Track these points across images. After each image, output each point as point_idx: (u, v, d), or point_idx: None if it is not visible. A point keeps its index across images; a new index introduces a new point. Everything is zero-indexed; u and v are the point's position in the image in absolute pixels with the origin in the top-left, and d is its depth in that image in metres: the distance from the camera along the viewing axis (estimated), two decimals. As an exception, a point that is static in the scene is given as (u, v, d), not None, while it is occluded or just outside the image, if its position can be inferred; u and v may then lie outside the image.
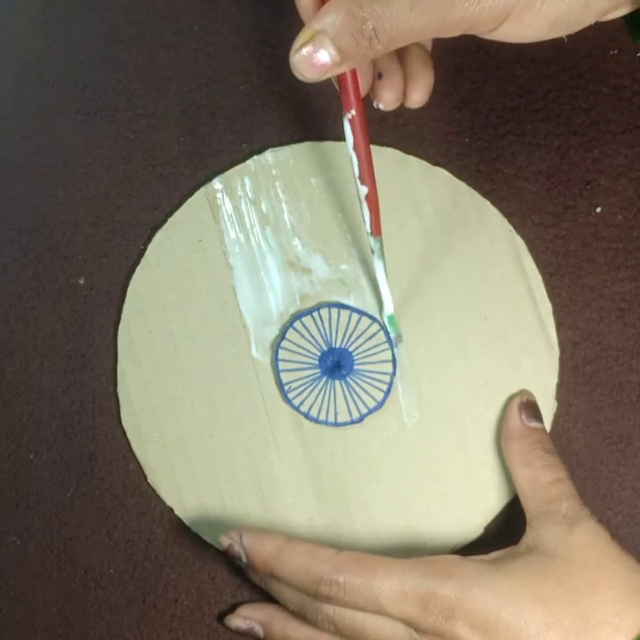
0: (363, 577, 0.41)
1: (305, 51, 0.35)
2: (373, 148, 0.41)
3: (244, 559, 0.43)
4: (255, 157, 0.48)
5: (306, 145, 0.48)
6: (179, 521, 0.47)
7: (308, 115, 0.49)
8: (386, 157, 0.48)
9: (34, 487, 0.48)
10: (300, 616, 0.43)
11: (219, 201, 0.48)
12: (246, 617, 0.46)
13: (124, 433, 0.47)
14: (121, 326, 0.48)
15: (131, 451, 0.47)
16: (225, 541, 0.44)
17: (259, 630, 0.45)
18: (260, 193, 0.48)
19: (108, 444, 0.48)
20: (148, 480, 0.47)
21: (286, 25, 0.49)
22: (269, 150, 0.48)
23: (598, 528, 0.42)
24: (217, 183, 0.48)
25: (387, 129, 0.48)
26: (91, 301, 0.49)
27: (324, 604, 0.42)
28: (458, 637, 0.39)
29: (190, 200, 0.48)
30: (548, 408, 0.47)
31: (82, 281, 0.49)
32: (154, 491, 0.47)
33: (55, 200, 0.49)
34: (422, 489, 0.46)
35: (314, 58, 0.35)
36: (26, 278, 0.49)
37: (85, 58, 0.50)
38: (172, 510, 0.47)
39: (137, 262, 0.48)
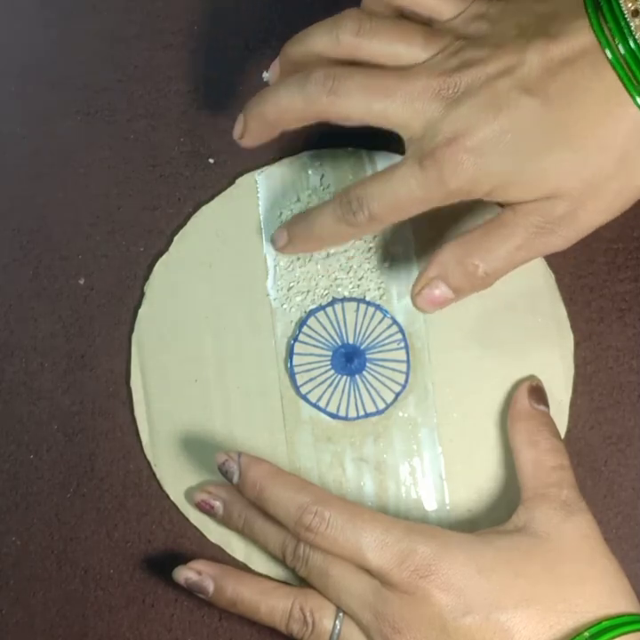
0: (348, 517, 0.41)
1: (425, 292, 0.41)
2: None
3: (236, 478, 0.42)
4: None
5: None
6: (179, 521, 0.47)
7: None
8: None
9: (34, 487, 0.48)
10: (279, 556, 0.43)
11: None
12: (199, 570, 0.44)
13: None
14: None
15: (132, 451, 0.48)
16: (221, 457, 0.43)
17: (209, 584, 0.44)
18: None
19: (108, 444, 0.48)
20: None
21: (286, 25, 0.49)
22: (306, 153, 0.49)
23: (594, 523, 0.42)
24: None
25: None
26: (91, 301, 0.49)
27: (302, 543, 0.42)
28: (429, 596, 0.39)
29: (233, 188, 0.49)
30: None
31: (82, 281, 0.49)
32: (153, 491, 0.47)
33: (55, 200, 0.49)
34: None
35: (432, 297, 0.41)
36: (26, 278, 0.49)
37: (85, 58, 0.50)
38: (171, 511, 0.47)
39: (137, 262, 0.49)
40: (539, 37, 0.38)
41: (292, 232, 0.45)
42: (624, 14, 0.37)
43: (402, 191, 0.40)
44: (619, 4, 0.37)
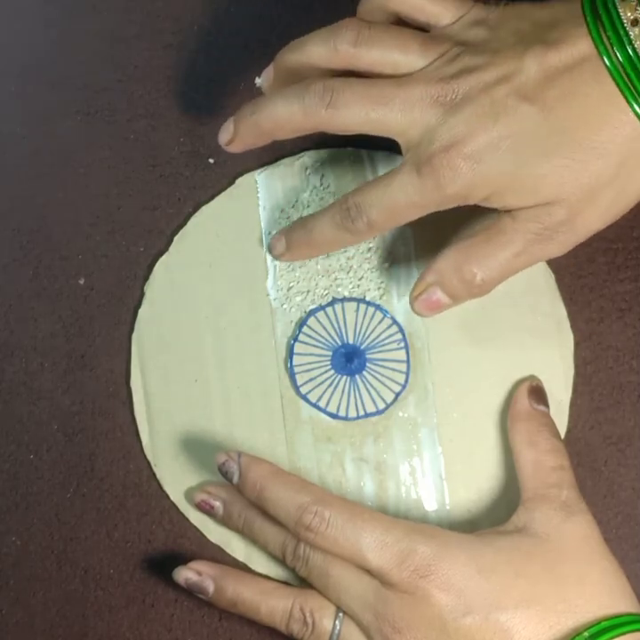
0: (348, 517, 0.41)
1: (422, 298, 0.42)
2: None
3: (236, 478, 0.43)
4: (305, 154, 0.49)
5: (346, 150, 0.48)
6: (179, 521, 0.47)
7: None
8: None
9: (34, 487, 0.48)
10: (279, 556, 0.43)
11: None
12: (199, 571, 0.44)
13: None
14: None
15: (132, 451, 0.48)
16: (221, 457, 0.43)
17: (209, 585, 0.44)
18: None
19: (108, 444, 0.48)
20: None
21: (286, 25, 0.49)
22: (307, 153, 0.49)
23: (594, 523, 0.42)
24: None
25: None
26: (91, 301, 0.49)
27: (302, 543, 0.42)
28: (429, 597, 0.39)
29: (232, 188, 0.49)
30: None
31: (82, 281, 0.49)
32: (153, 491, 0.47)
33: (55, 200, 0.49)
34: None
35: (429, 302, 0.42)
36: (26, 278, 0.49)
37: (85, 58, 0.50)
38: (171, 511, 0.47)
39: (137, 262, 0.49)
40: (537, 44, 0.38)
41: (290, 239, 0.45)
42: (623, 23, 0.37)
43: (400, 198, 0.40)
44: (618, 13, 0.37)
